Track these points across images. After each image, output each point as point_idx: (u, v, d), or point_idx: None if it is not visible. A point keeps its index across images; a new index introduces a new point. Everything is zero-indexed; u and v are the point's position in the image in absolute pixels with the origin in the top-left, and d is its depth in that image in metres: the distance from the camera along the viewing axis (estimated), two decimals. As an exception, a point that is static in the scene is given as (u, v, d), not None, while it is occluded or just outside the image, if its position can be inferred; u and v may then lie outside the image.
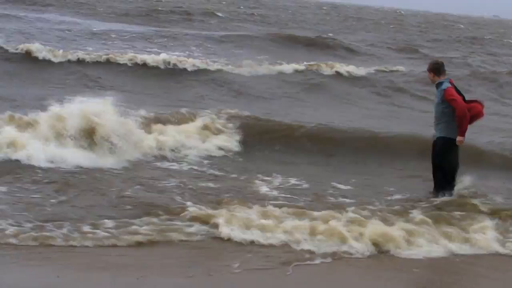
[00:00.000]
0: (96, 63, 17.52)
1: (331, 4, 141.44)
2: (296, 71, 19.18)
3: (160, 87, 16.19)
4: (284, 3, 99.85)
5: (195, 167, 9.56)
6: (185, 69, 17.86)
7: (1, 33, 20.40)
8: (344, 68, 19.86)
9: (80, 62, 17.34)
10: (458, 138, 8.46)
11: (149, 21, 34.55)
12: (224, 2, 73.63)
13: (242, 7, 63.20)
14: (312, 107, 15.25)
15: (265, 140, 11.12)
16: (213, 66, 18.34)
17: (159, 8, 44.23)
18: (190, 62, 18.16)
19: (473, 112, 8.47)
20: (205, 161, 10.01)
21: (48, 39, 20.89)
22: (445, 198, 8.59)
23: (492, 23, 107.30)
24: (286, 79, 18.28)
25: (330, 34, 30.58)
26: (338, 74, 19.60)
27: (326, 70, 19.52)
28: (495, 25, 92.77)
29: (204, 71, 17.89)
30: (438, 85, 8.58)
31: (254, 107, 13.81)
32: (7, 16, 26.87)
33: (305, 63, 20.09)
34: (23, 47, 17.40)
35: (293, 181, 9.30)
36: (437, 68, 8.66)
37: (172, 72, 17.65)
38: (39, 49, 17.33)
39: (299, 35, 28.88)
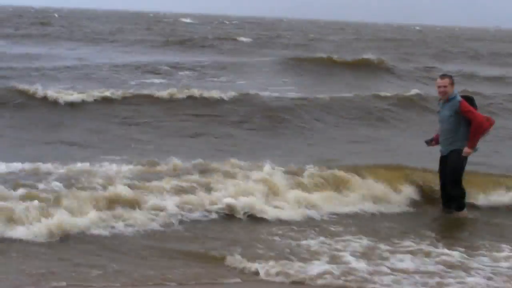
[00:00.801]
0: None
1: (336, 22, 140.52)
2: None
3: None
4: (287, 25, 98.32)
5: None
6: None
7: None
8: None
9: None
10: (466, 150, 8.31)
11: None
12: (238, 27, 71.71)
13: (260, 32, 61.16)
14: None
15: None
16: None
17: (189, 38, 41.91)
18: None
19: (491, 122, 8.43)
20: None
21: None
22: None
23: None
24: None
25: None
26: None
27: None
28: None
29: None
30: (452, 98, 8.39)
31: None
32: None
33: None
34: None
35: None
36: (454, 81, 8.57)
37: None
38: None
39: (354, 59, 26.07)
